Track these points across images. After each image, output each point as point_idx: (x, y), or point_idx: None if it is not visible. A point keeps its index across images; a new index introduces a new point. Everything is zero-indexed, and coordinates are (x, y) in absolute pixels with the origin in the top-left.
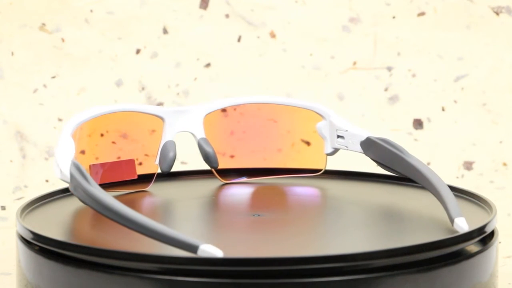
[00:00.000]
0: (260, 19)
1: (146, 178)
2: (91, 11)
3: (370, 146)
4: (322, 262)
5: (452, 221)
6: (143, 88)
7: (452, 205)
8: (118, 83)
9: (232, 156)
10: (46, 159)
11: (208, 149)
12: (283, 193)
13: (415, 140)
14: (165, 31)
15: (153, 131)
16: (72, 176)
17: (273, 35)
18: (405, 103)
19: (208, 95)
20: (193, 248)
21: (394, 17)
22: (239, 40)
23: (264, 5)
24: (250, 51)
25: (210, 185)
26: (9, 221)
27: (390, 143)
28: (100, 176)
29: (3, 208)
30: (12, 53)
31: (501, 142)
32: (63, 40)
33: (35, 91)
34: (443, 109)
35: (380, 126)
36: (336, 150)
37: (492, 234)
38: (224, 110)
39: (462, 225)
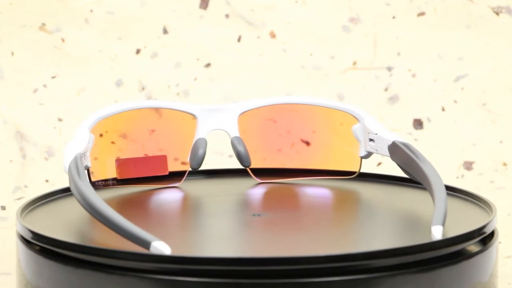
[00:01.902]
0: (260, 19)
1: (179, 175)
2: (91, 11)
3: (395, 151)
4: (322, 262)
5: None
6: (143, 88)
7: (438, 212)
8: (118, 83)
9: (265, 156)
10: (46, 159)
11: (240, 148)
12: (286, 193)
13: (415, 140)
14: (165, 31)
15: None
16: (69, 169)
17: (273, 35)
18: (405, 103)
19: (208, 95)
20: (146, 244)
21: (394, 17)
22: (239, 40)
23: (264, 5)
24: (250, 51)
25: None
26: (9, 221)
27: (409, 147)
28: (130, 171)
29: (3, 208)
30: (12, 53)
31: (501, 142)
32: (63, 40)
33: (35, 91)
34: (443, 109)
35: None
36: (369, 154)
37: (492, 234)
38: (259, 109)
39: (436, 234)
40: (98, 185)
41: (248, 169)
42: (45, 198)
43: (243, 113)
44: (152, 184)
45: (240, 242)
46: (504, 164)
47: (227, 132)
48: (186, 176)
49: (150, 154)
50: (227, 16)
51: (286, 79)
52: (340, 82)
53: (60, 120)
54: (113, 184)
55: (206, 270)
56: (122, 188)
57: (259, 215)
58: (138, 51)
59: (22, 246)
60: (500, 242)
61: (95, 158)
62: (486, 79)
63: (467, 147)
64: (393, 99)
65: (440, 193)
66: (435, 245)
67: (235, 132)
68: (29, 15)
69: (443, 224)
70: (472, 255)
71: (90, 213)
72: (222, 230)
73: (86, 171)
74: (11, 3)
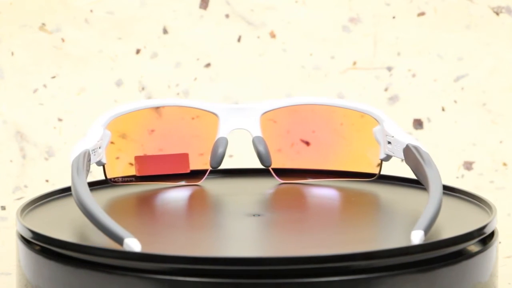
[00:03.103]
0: (260, 19)
1: (201, 174)
2: (91, 11)
3: (408, 154)
4: (322, 262)
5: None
6: (143, 88)
7: (424, 218)
8: (118, 83)
9: (286, 156)
10: (46, 159)
11: (260, 148)
12: (287, 194)
13: (415, 140)
14: (165, 31)
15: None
16: (72, 164)
17: (273, 35)
18: (405, 103)
19: (208, 95)
20: (120, 240)
21: (394, 17)
22: (239, 40)
23: (264, 5)
24: (250, 51)
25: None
26: (9, 221)
27: (418, 150)
28: (150, 168)
29: (3, 208)
30: (12, 53)
31: (501, 142)
32: (63, 40)
33: (35, 91)
34: (443, 109)
35: None
36: (389, 156)
37: (492, 234)
38: (281, 109)
39: (413, 238)
40: (114, 181)
41: (270, 169)
42: (45, 198)
43: (265, 112)
44: (173, 181)
45: (240, 242)
46: (504, 164)
47: (249, 132)
48: (208, 175)
49: (170, 152)
50: (227, 16)
51: (286, 79)
52: (340, 82)
53: (60, 120)
54: (132, 181)
55: (206, 270)
56: (143, 185)
57: (259, 215)
58: (138, 51)
59: (22, 246)
60: (500, 242)
61: (117, 158)
62: (486, 79)
63: (467, 147)
64: (393, 99)
65: (434, 198)
66: (435, 245)
67: (257, 132)
68: (29, 15)
69: (426, 230)
70: (472, 255)
71: (77, 206)
72: (221, 230)
73: (87, 167)
74: (11, 3)
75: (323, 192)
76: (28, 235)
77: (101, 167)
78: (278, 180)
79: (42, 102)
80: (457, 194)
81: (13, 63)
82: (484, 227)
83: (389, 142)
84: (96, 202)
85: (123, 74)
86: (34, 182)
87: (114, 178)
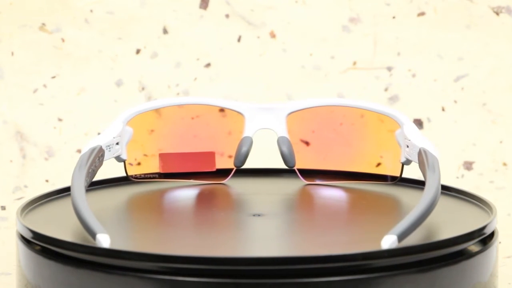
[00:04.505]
0: (260, 19)
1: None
2: (91, 11)
3: (420, 158)
4: (322, 262)
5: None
6: (143, 88)
7: (402, 223)
8: (118, 83)
9: (311, 157)
10: (46, 159)
11: (284, 148)
12: (288, 194)
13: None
14: (165, 31)
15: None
16: (80, 158)
17: (273, 35)
18: (405, 103)
19: (208, 95)
20: (93, 235)
21: (394, 17)
22: (239, 40)
23: (264, 5)
24: (250, 51)
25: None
26: (9, 221)
27: (426, 153)
28: (174, 165)
29: (3, 208)
30: (12, 53)
31: (501, 142)
32: (63, 40)
33: (35, 91)
34: (443, 109)
35: None
36: (409, 160)
37: (492, 234)
38: (307, 110)
39: (383, 243)
40: (136, 178)
41: (296, 170)
42: (45, 198)
43: (291, 113)
44: (197, 179)
45: (240, 242)
46: (504, 164)
47: (274, 132)
48: (233, 174)
49: (194, 151)
50: (227, 16)
51: (286, 79)
52: (340, 82)
53: (60, 120)
54: (155, 178)
55: (206, 270)
56: (167, 182)
57: (259, 215)
58: (138, 51)
59: (22, 246)
60: (500, 242)
61: (145, 155)
62: (486, 79)
63: (467, 147)
64: (393, 99)
65: (420, 205)
66: (435, 245)
67: (283, 132)
68: (29, 15)
69: (401, 235)
70: (472, 255)
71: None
72: (222, 229)
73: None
74: (11, 3)
75: (337, 194)
76: (28, 235)
77: (122, 163)
78: (303, 181)
79: (42, 102)
80: (457, 194)
81: (13, 63)
82: (484, 227)
83: (407, 146)
84: (85, 197)
85: (123, 74)
86: (34, 182)
87: (135, 175)
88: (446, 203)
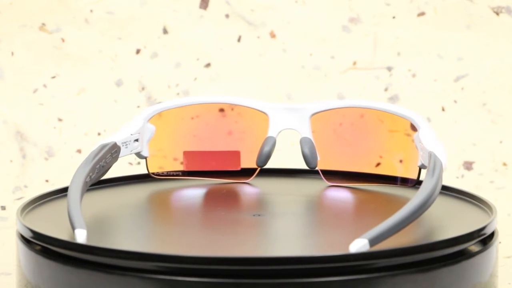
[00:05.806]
0: (260, 19)
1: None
2: (91, 11)
3: (429, 162)
4: (322, 262)
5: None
6: (143, 88)
7: (377, 228)
8: (118, 83)
9: (333, 158)
10: (46, 159)
11: (305, 149)
12: (287, 194)
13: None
14: (165, 31)
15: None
16: (91, 152)
17: (273, 35)
18: (405, 103)
19: (208, 95)
20: (73, 229)
21: (394, 17)
22: (239, 40)
23: (264, 5)
24: (250, 51)
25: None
26: (9, 221)
27: (432, 157)
28: (200, 163)
29: (3, 208)
30: (12, 53)
31: (501, 142)
32: (63, 40)
33: (35, 91)
34: (443, 109)
35: None
36: (424, 165)
37: (492, 234)
38: (331, 111)
39: (351, 246)
40: (157, 175)
41: (319, 171)
42: (45, 198)
43: (315, 113)
44: (221, 178)
45: (240, 242)
46: (504, 164)
47: (298, 132)
48: (258, 174)
49: (219, 149)
50: (227, 16)
51: (286, 79)
52: (340, 82)
53: (60, 120)
54: (178, 175)
55: (206, 270)
56: (188, 180)
57: (259, 215)
58: (138, 51)
59: (22, 246)
60: (500, 242)
61: (159, 149)
62: (486, 79)
63: (467, 147)
64: (393, 99)
65: (403, 210)
66: (435, 245)
67: (306, 133)
68: (29, 15)
69: (373, 240)
70: (472, 255)
71: None
72: (221, 229)
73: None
74: (11, 3)
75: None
76: (28, 235)
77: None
78: (326, 182)
79: (42, 102)
80: (457, 194)
81: (13, 63)
82: (484, 228)
83: (421, 150)
84: (79, 192)
85: (123, 74)
86: (34, 182)
87: (157, 173)
88: (446, 203)
